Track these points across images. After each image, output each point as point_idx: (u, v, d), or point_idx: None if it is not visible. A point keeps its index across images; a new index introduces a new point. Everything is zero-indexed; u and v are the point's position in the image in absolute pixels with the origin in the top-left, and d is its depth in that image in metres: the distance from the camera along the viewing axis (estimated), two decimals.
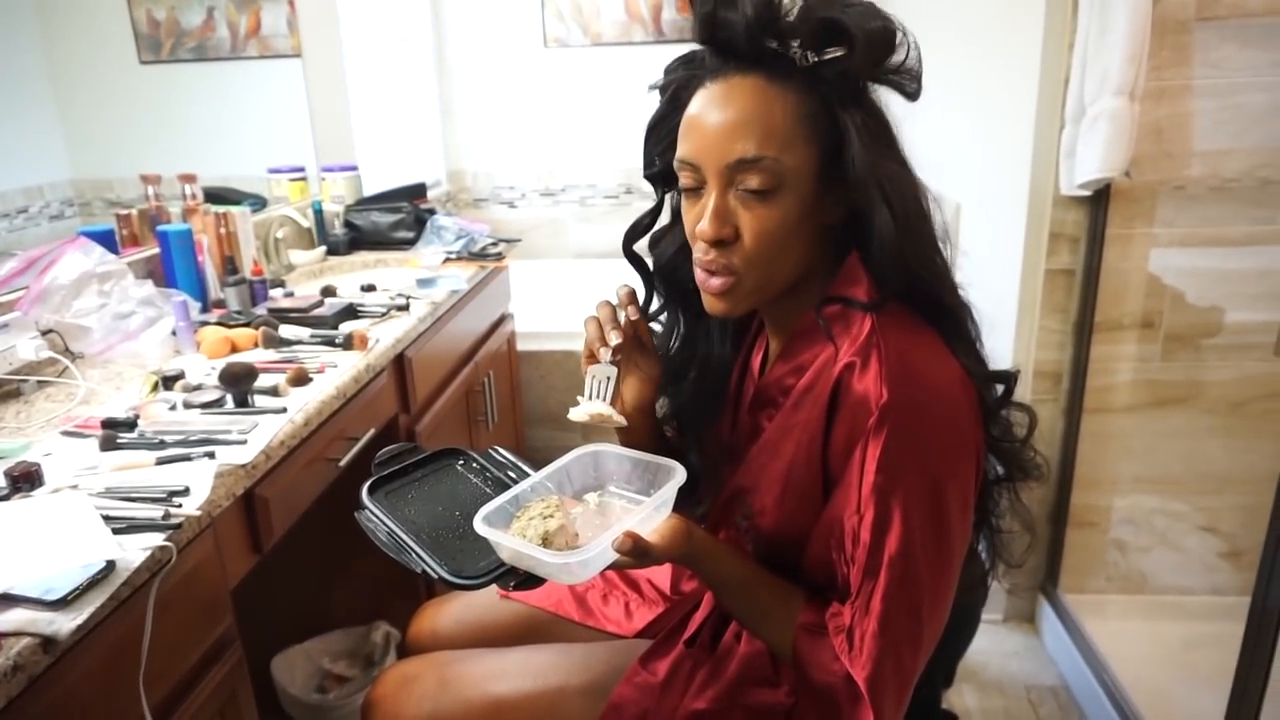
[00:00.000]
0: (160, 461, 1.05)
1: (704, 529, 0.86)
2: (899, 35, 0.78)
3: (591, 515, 0.88)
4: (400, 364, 1.67)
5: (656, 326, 1.03)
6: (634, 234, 0.99)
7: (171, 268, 1.70)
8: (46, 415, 1.22)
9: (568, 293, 3.29)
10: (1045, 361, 1.91)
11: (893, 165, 0.81)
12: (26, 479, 0.98)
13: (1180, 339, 1.84)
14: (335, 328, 1.61)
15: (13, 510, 0.93)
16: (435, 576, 0.83)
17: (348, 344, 1.51)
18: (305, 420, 1.23)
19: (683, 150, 0.83)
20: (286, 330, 1.58)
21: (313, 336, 1.55)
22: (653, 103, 0.93)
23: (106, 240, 1.59)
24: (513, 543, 0.78)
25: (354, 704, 1.70)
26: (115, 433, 1.11)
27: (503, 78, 3.39)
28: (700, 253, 0.83)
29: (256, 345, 1.51)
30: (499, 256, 2.33)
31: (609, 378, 0.92)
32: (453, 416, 1.99)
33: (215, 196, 2.01)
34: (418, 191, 2.62)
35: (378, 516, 0.92)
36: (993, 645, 2.03)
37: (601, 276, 3.17)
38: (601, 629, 1.12)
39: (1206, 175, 1.74)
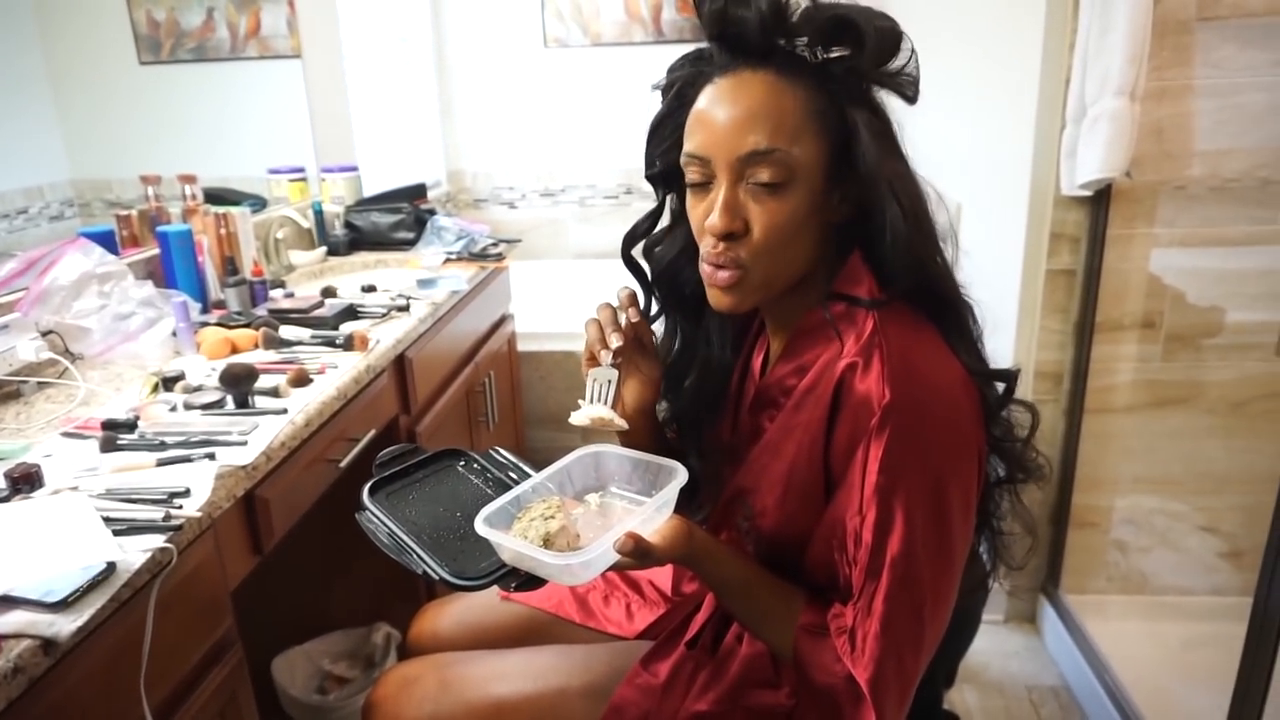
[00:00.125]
0: (160, 463, 1.05)
1: (705, 530, 0.86)
2: (905, 36, 0.79)
3: (593, 516, 0.87)
4: (401, 365, 1.67)
5: (658, 328, 1.03)
6: (633, 238, 0.99)
7: (171, 268, 1.70)
8: (46, 416, 1.22)
9: (568, 293, 3.28)
10: (1046, 362, 1.91)
11: (899, 164, 0.81)
12: (26, 480, 0.98)
13: (1181, 339, 1.84)
14: (336, 328, 1.61)
15: (13, 512, 0.93)
16: (436, 577, 0.83)
17: (348, 345, 1.51)
18: (306, 421, 1.22)
19: (691, 145, 0.83)
20: (287, 331, 1.57)
21: (313, 337, 1.55)
22: (653, 103, 0.93)
23: (106, 241, 1.59)
24: (514, 544, 0.78)
25: (354, 705, 1.70)
26: (115, 434, 1.11)
27: (502, 78, 3.38)
28: (708, 247, 0.83)
29: (257, 346, 1.50)
30: (499, 257, 2.32)
31: (610, 381, 0.92)
32: (453, 417, 1.98)
33: (215, 197, 2.01)
34: (418, 192, 2.62)
35: (378, 517, 0.92)
36: (994, 646, 2.03)
37: (601, 277, 3.16)
38: (602, 630, 1.12)
39: (1207, 175, 1.74)
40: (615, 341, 0.90)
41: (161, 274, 1.73)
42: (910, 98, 0.82)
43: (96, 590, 0.81)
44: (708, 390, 1.01)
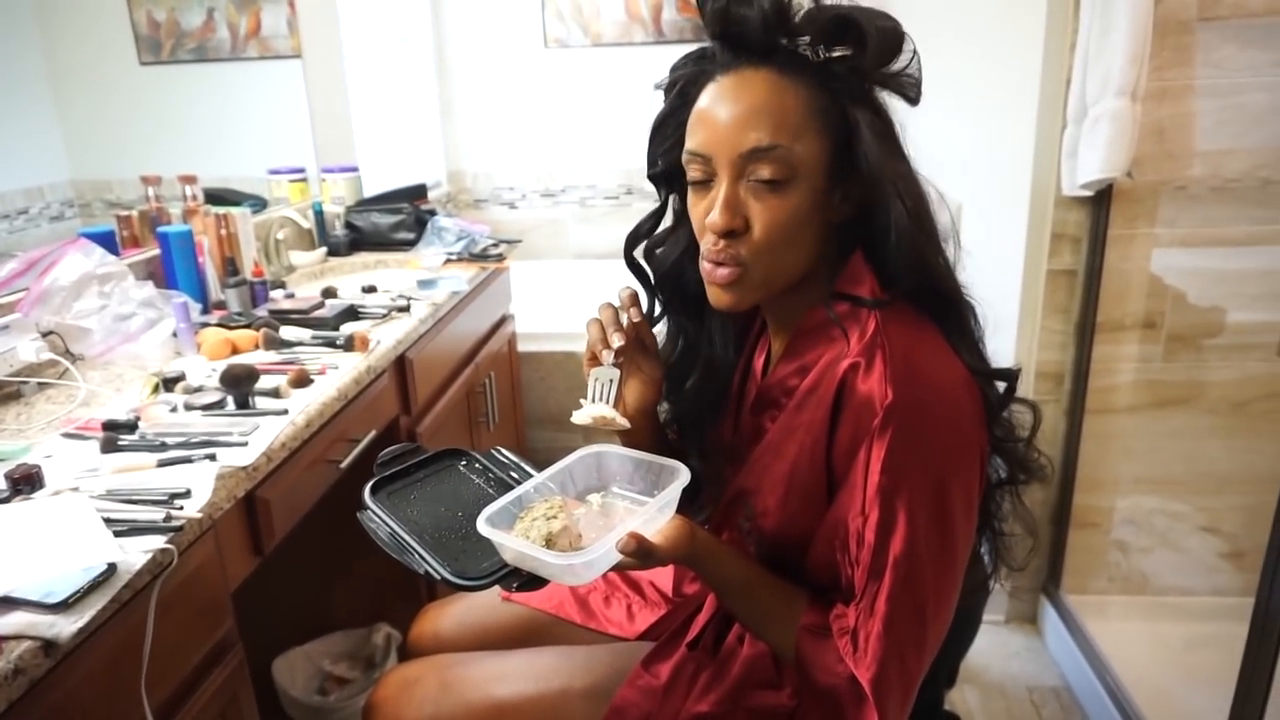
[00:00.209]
0: (161, 464, 1.05)
1: (707, 530, 0.86)
2: (906, 37, 0.79)
3: (595, 516, 0.87)
4: (401, 365, 1.67)
5: (660, 329, 1.03)
6: (635, 239, 0.99)
7: (172, 269, 1.70)
8: (47, 417, 1.22)
9: (568, 294, 3.28)
10: (1047, 362, 1.91)
11: (901, 164, 0.81)
12: (27, 481, 0.98)
13: (1182, 339, 1.84)
14: (336, 329, 1.61)
15: (13, 512, 0.93)
16: (438, 577, 0.82)
17: (349, 345, 1.51)
18: (306, 422, 1.22)
19: (693, 142, 0.83)
20: (287, 332, 1.57)
21: (314, 338, 1.55)
22: (654, 103, 0.93)
23: (107, 241, 1.58)
24: (516, 544, 0.78)
25: (355, 706, 1.70)
26: (116, 435, 1.11)
27: (503, 78, 3.38)
28: (708, 244, 0.83)
29: (257, 347, 1.50)
30: (500, 257, 2.32)
31: (612, 380, 0.92)
32: (454, 418, 1.98)
33: (215, 198, 2.01)
34: (418, 192, 2.62)
35: (380, 517, 0.92)
36: (995, 646, 2.03)
37: (602, 277, 3.17)
38: (603, 631, 1.12)
39: (1208, 175, 1.74)
40: (617, 341, 0.90)
41: (162, 274, 1.73)
42: (913, 99, 0.82)
43: (97, 591, 0.81)
44: (710, 390, 1.01)
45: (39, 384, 1.32)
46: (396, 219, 2.38)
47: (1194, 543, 1.97)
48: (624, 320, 0.92)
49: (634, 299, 0.94)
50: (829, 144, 0.80)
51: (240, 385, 1.24)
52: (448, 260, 2.25)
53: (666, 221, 0.99)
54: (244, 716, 1.11)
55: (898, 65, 0.80)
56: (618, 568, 0.79)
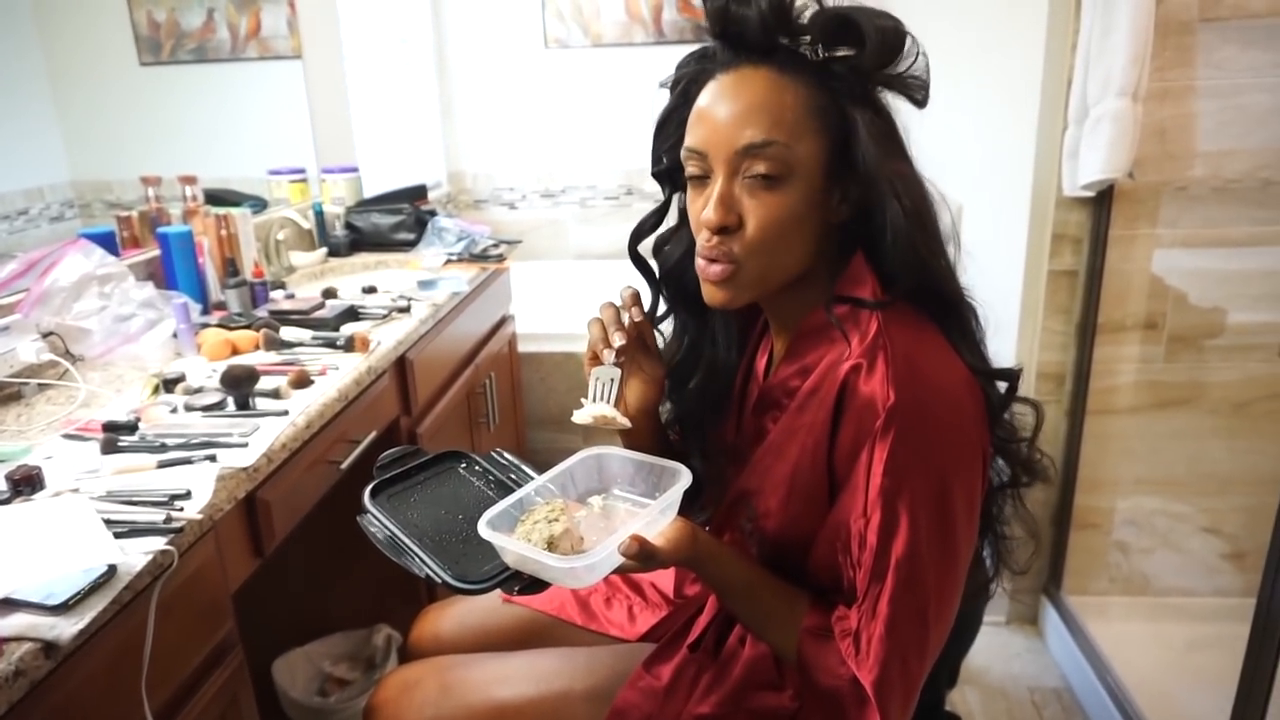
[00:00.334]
0: (161, 465, 1.05)
1: (708, 532, 0.86)
2: (909, 38, 0.79)
3: (596, 518, 0.87)
4: (402, 366, 1.67)
5: (661, 336, 1.02)
6: (639, 235, 0.99)
7: (172, 270, 1.70)
8: (47, 418, 1.22)
9: (568, 294, 3.28)
10: (1048, 363, 1.90)
11: (902, 164, 0.81)
12: (27, 482, 0.97)
13: (1183, 340, 1.84)
14: (336, 330, 1.60)
15: (13, 514, 0.93)
16: (439, 581, 0.82)
17: (349, 346, 1.51)
18: (307, 423, 1.22)
19: (690, 139, 0.83)
20: (287, 332, 1.57)
21: (314, 339, 1.55)
22: (654, 103, 0.93)
23: (107, 242, 1.58)
24: (518, 547, 0.78)
25: (355, 707, 1.70)
26: (116, 436, 1.11)
27: (503, 79, 3.38)
28: (703, 240, 0.83)
29: (257, 347, 1.50)
30: (500, 258, 2.32)
31: (613, 380, 0.92)
32: (454, 419, 1.98)
33: (215, 198, 2.01)
34: (418, 193, 2.62)
35: (380, 520, 0.91)
36: (996, 647, 2.02)
37: (602, 277, 3.17)
38: (604, 633, 1.12)
39: (1209, 176, 1.74)
40: (618, 340, 0.90)
41: (162, 275, 1.72)
42: (919, 101, 0.82)
43: (98, 593, 0.81)
44: (712, 391, 1.01)
45: (39, 385, 1.32)
46: (397, 219, 2.38)
47: (1195, 544, 1.96)
48: (625, 319, 0.92)
49: (636, 298, 0.94)
50: (827, 143, 0.80)
51: (240, 386, 1.24)
52: (448, 261, 2.25)
53: (671, 220, 0.98)
54: (244, 718, 1.11)
55: (902, 66, 0.80)
56: (619, 570, 0.79)
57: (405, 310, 1.77)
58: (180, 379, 1.31)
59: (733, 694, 0.92)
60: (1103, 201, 1.76)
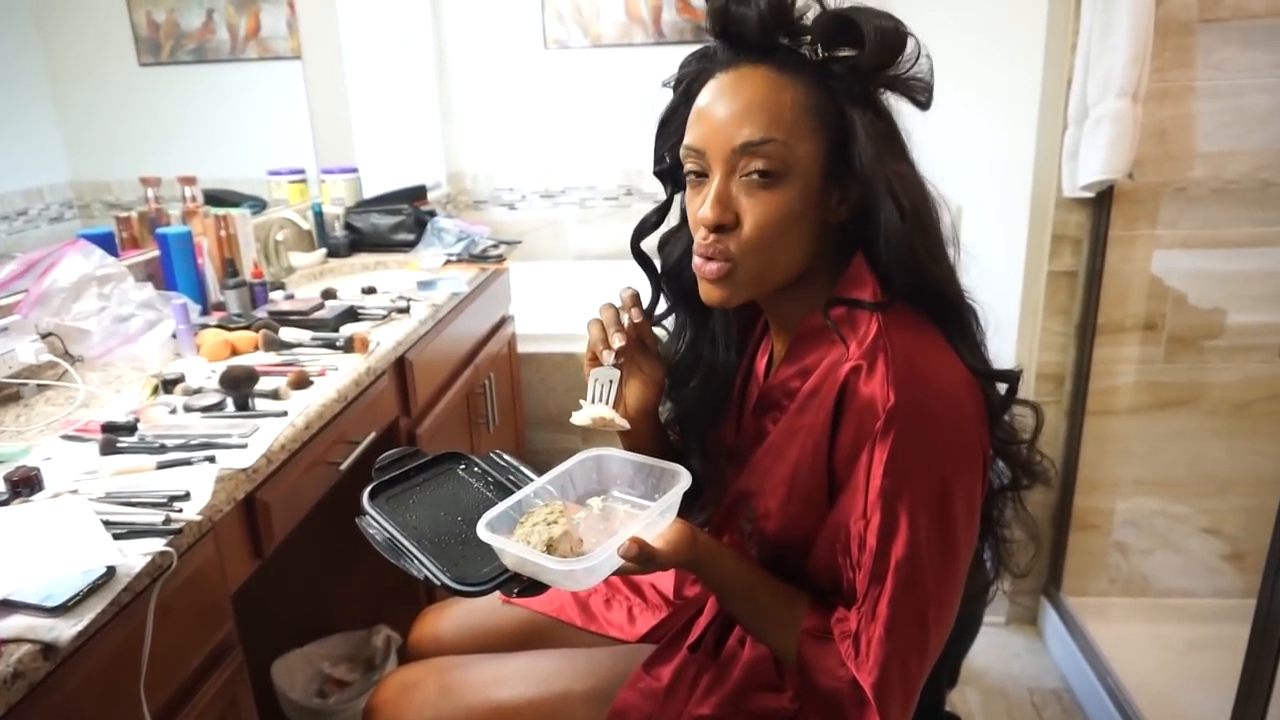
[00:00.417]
0: (160, 466, 1.05)
1: (708, 533, 0.86)
2: (911, 40, 0.79)
3: (595, 520, 0.87)
4: (401, 367, 1.67)
5: (663, 330, 1.02)
6: (641, 231, 0.99)
7: (171, 270, 1.70)
8: (46, 419, 1.22)
9: (568, 295, 3.28)
10: (1048, 364, 1.90)
11: (901, 165, 0.81)
12: (26, 483, 0.97)
13: (1183, 341, 1.84)
14: (336, 330, 1.60)
15: (12, 515, 0.93)
16: (438, 583, 0.82)
17: (348, 347, 1.51)
18: (306, 424, 1.22)
19: (689, 137, 0.83)
20: (287, 333, 1.57)
21: (313, 339, 1.55)
22: (654, 104, 0.93)
23: (106, 243, 1.58)
24: (517, 549, 0.77)
25: (355, 709, 1.69)
26: (115, 436, 1.11)
27: (503, 79, 3.38)
28: (700, 238, 0.83)
29: (257, 348, 1.50)
30: (499, 259, 2.32)
31: (612, 381, 0.92)
32: (453, 419, 1.98)
33: (215, 199, 2.00)
34: (418, 193, 2.62)
35: (379, 522, 0.91)
36: (996, 648, 2.02)
37: (601, 278, 3.17)
38: (604, 634, 1.11)
39: (1209, 177, 1.74)
40: (618, 341, 0.90)
41: (161, 276, 1.72)
42: (922, 103, 0.82)
43: (96, 594, 0.81)
44: (711, 392, 1.00)
45: (38, 386, 1.32)
46: (396, 220, 2.38)
47: (1195, 544, 1.96)
48: (625, 321, 0.92)
49: (635, 299, 0.94)
50: (825, 143, 0.80)
51: (240, 387, 1.24)
52: (447, 261, 2.25)
53: (672, 219, 0.98)
54: (243, 719, 1.11)
55: (904, 67, 0.80)
56: (619, 572, 0.79)
57: (405, 311, 1.77)
58: (179, 380, 1.31)
59: (732, 695, 0.92)
60: (1102, 202, 1.76)
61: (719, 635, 0.99)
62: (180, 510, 0.95)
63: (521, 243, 2.73)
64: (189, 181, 1.91)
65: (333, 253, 2.29)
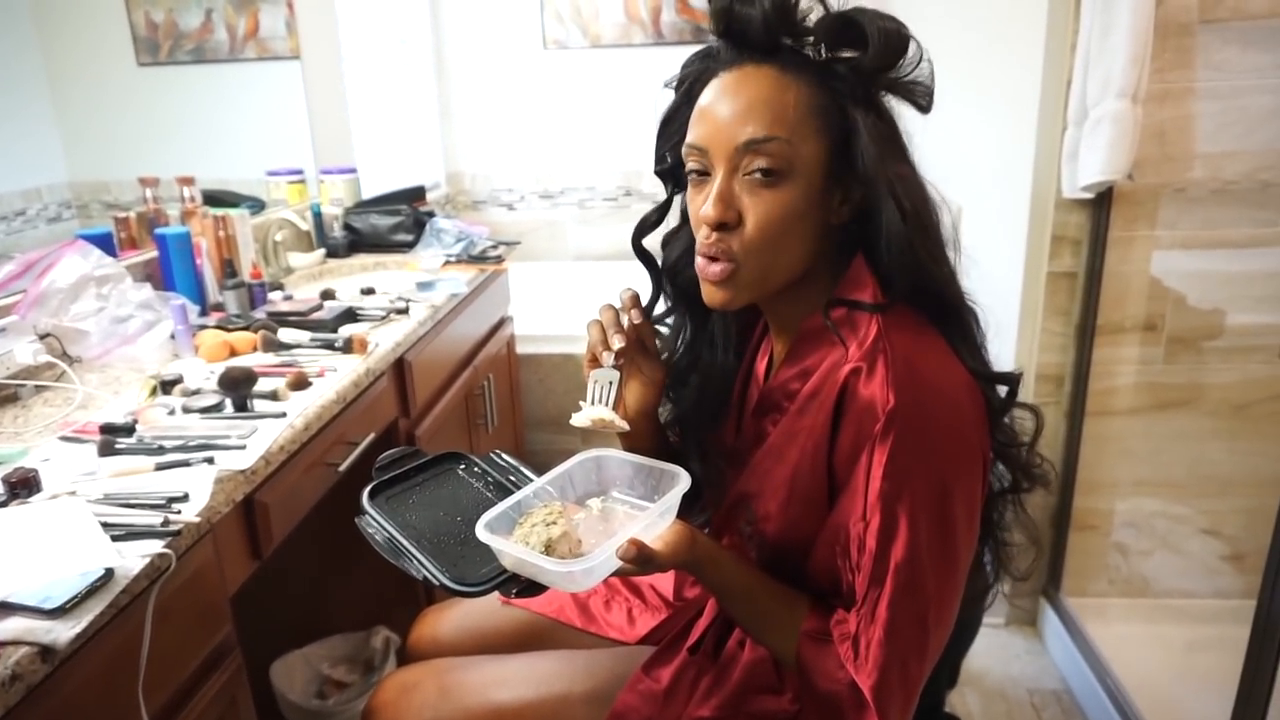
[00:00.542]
0: (159, 467, 1.05)
1: (707, 534, 0.86)
2: (913, 42, 0.79)
3: (594, 521, 0.87)
4: (400, 368, 1.66)
5: (663, 330, 1.02)
6: (642, 230, 0.99)
7: (170, 271, 1.69)
8: (44, 420, 1.22)
9: (567, 296, 3.28)
10: (1047, 364, 1.90)
11: (903, 167, 0.81)
12: (24, 485, 0.97)
13: (1183, 341, 1.84)
14: (335, 331, 1.60)
15: (10, 517, 0.92)
16: (436, 583, 0.82)
17: (347, 348, 1.50)
18: (305, 425, 1.22)
19: (692, 135, 0.83)
20: (285, 334, 1.57)
21: (312, 340, 1.54)
22: (654, 104, 0.93)
23: (104, 243, 1.58)
24: (515, 550, 0.77)
25: (354, 710, 1.69)
26: (113, 438, 1.10)
27: (502, 80, 3.38)
28: (702, 237, 0.83)
29: (255, 349, 1.50)
30: (498, 259, 2.32)
31: (611, 382, 0.92)
32: (452, 420, 1.98)
33: (213, 199, 2.00)
34: (417, 194, 2.61)
35: (378, 522, 0.91)
36: (995, 649, 2.02)
37: (600, 279, 3.17)
38: (604, 635, 1.11)
39: (1208, 178, 1.74)
40: (617, 343, 0.90)
41: (160, 276, 1.72)
42: (923, 107, 0.82)
43: (94, 596, 0.80)
44: (710, 394, 1.00)
45: (36, 387, 1.32)
46: (395, 221, 2.38)
47: (1195, 545, 1.96)
48: (625, 322, 0.92)
49: (635, 300, 0.94)
50: (828, 143, 0.80)
51: (238, 388, 1.24)
52: (446, 262, 2.25)
53: (672, 220, 0.98)
54: None
55: (906, 70, 0.80)
56: (618, 574, 0.79)
57: (403, 312, 1.76)
58: (178, 381, 1.31)
59: (732, 697, 0.92)
60: (1102, 203, 1.76)
61: (718, 637, 0.99)
62: (179, 512, 0.95)
63: (520, 243, 2.73)
64: (187, 182, 1.90)
65: (331, 253, 2.29)
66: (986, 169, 2.08)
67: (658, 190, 0.98)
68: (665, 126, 0.92)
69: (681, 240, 0.96)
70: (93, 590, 0.80)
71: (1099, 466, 1.93)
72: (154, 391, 1.29)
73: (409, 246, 2.35)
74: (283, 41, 2.40)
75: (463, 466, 1.04)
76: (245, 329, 1.55)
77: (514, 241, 2.57)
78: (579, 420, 0.92)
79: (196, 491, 0.99)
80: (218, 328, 1.56)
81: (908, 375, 0.76)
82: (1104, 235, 1.77)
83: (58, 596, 0.78)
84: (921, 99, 0.82)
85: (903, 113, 0.84)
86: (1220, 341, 1.83)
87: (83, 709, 0.80)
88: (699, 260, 0.84)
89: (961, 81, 2.16)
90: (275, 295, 1.83)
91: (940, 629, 0.80)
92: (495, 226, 3.34)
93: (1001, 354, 1.86)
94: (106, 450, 1.08)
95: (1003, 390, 0.87)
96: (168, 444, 1.10)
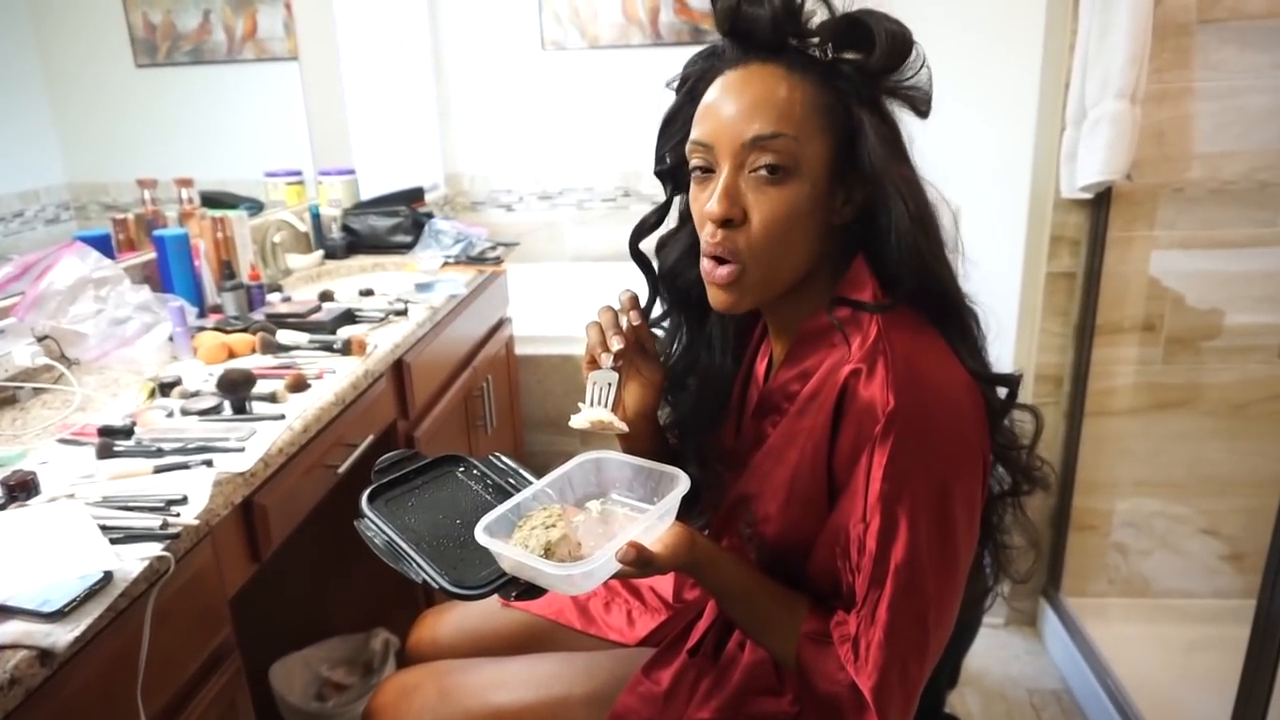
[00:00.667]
0: (158, 469, 1.05)
1: (707, 536, 0.85)
2: (915, 46, 0.79)
3: (594, 524, 0.87)
4: (399, 369, 1.66)
5: (661, 332, 1.02)
6: (640, 232, 0.99)
7: (168, 272, 1.69)
8: (43, 422, 1.21)
9: (565, 297, 3.28)
10: (1046, 365, 1.90)
11: (906, 169, 0.81)
12: (23, 488, 0.97)
13: (1182, 341, 1.84)
14: (333, 333, 1.60)
15: (9, 520, 0.92)
16: (436, 586, 0.82)
17: (346, 349, 1.50)
18: (304, 427, 1.22)
19: (697, 132, 0.83)
20: (284, 335, 1.56)
21: (311, 342, 1.54)
22: (652, 105, 0.93)
23: (103, 245, 1.58)
24: (514, 553, 0.77)
25: (353, 712, 1.69)
26: (112, 440, 1.10)
27: (500, 81, 3.38)
28: (707, 235, 0.82)
29: (254, 351, 1.50)
30: (497, 260, 2.32)
31: (610, 384, 0.91)
32: (451, 422, 1.98)
33: (212, 200, 2.00)
34: (415, 195, 2.61)
35: (377, 525, 0.91)
36: (995, 649, 2.02)
37: (599, 280, 3.17)
38: (603, 637, 1.11)
39: (1207, 178, 1.74)
40: (616, 344, 0.90)
41: (158, 278, 1.72)
42: (923, 112, 0.82)
43: (93, 600, 0.80)
44: (709, 396, 1.00)
45: (34, 389, 1.31)
46: (393, 222, 2.37)
47: (1194, 545, 1.96)
48: (623, 323, 0.91)
49: (634, 302, 0.94)
50: (832, 143, 0.80)
51: (237, 390, 1.23)
52: (445, 263, 2.25)
53: (671, 222, 0.98)
54: None
55: (907, 75, 0.80)
56: (617, 576, 0.78)
57: (402, 313, 1.76)
58: (176, 383, 1.31)
59: (732, 699, 0.92)
60: (1101, 203, 1.76)
61: (718, 639, 0.99)
62: (177, 514, 0.95)
63: (519, 244, 2.73)
64: (186, 183, 1.90)
65: (330, 255, 2.28)
66: (985, 169, 2.08)
67: (656, 191, 0.98)
68: (667, 126, 0.92)
69: (680, 242, 0.96)
70: (91, 593, 0.80)
71: (1098, 466, 1.93)
72: (152, 394, 1.29)
73: (407, 248, 2.35)
74: (281, 42, 2.40)
75: (462, 469, 1.04)
76: (244, 331, 1.55)
77: (513, 243, 2.56)
78: (578, 422, 0.91)
79: (195, 494, 0.98)
80: (216, 330, 1.56)
81: (908, 376, 0.76)
82: (1103, 235, 1.77)
83: (56, 600, 0.78)
84: (921, 105, 0.82)
85: (900, 117, 0.84)
86: (1219, 341, 1.83)
87: (82, 712, 0.80)
88: (705, 263, 0.84)
89: (961, 82, 2.16)
90: (274, 297, 1.83)
91: (940, 630, 0.80)
92: (494, 228, 3.34)
93: (1001, 354, 1.86)
94: (105, 453, 1.08)
95: (1002, 392, 0.87)
96: (166, 446, 1.10)
